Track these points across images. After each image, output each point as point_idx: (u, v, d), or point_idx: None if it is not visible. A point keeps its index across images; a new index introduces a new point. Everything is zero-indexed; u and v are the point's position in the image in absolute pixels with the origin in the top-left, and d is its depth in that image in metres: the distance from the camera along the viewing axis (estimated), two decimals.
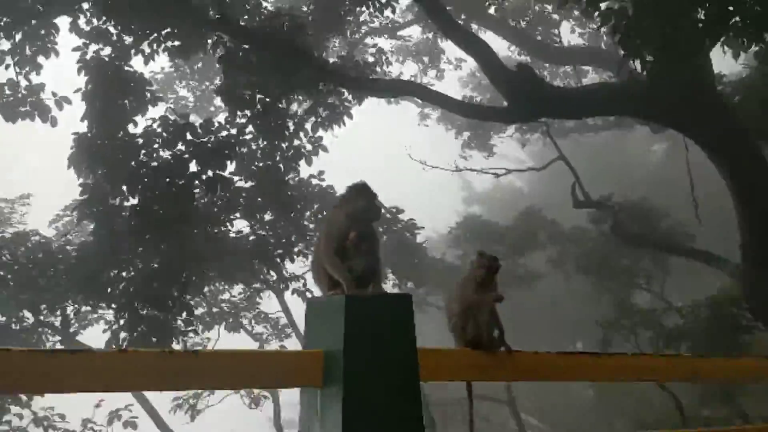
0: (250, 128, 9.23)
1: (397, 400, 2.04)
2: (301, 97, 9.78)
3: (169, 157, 8.35)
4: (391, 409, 2.02)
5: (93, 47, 8.90)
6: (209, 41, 8.93)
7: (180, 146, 8.33)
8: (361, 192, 2.50)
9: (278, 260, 10.03)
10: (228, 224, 10.16)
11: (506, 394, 15.46)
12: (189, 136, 8.37)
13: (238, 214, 10.51)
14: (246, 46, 8.60)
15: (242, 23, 8.70)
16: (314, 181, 11.97)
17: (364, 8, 9.72)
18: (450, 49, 16.83)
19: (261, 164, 9.62)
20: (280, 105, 9.11)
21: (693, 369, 3.21)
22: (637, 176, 21.77)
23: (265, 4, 9.68)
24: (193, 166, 8.45)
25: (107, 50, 8.91)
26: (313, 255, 2.60)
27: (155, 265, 7.93)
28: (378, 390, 2.02)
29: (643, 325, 12.05)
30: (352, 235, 2.41)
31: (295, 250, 10.32)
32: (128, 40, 8.66)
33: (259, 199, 10.22)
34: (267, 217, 10.88)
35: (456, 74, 20.52)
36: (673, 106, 7.85)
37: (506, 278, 17.81)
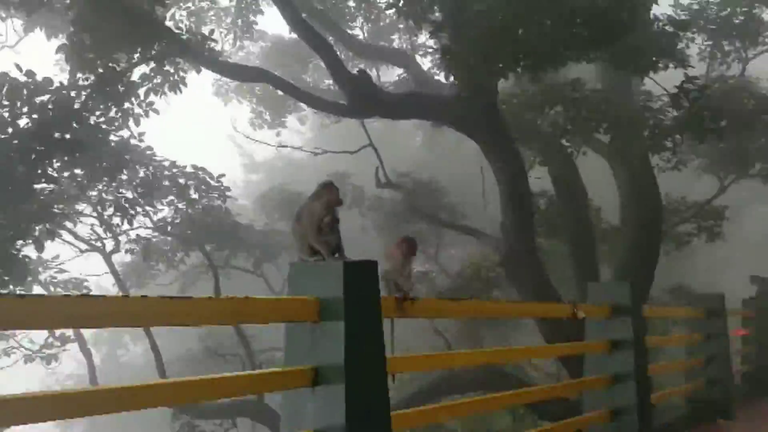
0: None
1: (373, 328, 3.16)
2: (135, 62, 9.81)
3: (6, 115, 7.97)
4: (371, 333, 3.14)
5: None
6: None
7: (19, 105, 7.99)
8: (330, 187, 3.52)
9: None
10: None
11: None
12: (26, 93, 8.07)
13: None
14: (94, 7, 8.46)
15: None
16: (133, 142, 11.98)
17: None
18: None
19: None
20: (117, 68, 9.13)
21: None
22: (430, 159, 24.34)
23: None
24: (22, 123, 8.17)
25: None
26: (294, 233, 3.53)
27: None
28: (363, 320, 3.11)
29: (418, 283, 14.37)
30: (328, 219, 3.43)
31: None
32: None
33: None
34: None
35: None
36: (465, 114, 9.75)
37: None
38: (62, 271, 12.54)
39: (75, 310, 2.24)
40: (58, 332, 11.83)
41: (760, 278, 11.08)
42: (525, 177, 10.48)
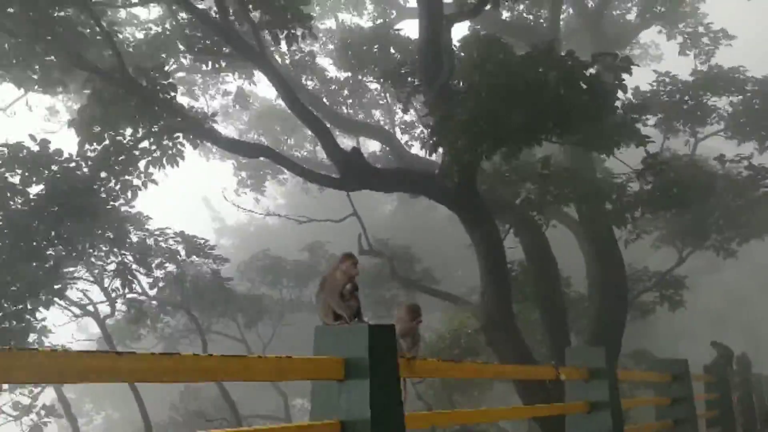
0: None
1: (393, 386, 3.45)
2: (140, 136, 10.20)
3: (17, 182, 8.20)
4: (391, 390, 3.42)
5: None
6: (65, 77, 8.98)
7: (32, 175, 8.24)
8: (350, 258, 3.88)
9: None
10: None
11: None
12: (37, 162, 8.33)
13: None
14: (111, 86, 8.89)
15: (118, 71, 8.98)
16: (123, 209, 12.19)
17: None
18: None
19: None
20: (123, 141, 9.49)
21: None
22: (404, 226, 24.86)
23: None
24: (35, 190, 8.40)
25: None
26: (318, 299, 3.84)
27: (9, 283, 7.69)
28: (384, 378, 3.40)
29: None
30: (349, 286, 3.77)
31: None
32: None
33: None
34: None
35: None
36: (449, 189, 10.29)
37: (293, 304, 19.33)
38: (49, 332, 12.37)
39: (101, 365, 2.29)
40: (47, 401, 11.60)
41: (720, 344, 11.57)
42: (502, 247, 10.95)
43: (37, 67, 8.62)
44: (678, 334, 25.68)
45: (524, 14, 15.95)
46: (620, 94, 9.29)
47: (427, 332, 16.51)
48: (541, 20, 16.12)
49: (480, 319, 11.46)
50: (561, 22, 15.94)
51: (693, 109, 15.11)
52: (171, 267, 13.08)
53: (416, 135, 16.21)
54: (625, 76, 8.63)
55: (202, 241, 13.68)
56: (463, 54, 10.47)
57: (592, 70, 8.35)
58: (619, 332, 12.71)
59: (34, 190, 8.74)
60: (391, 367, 3.45)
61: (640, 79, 13.80)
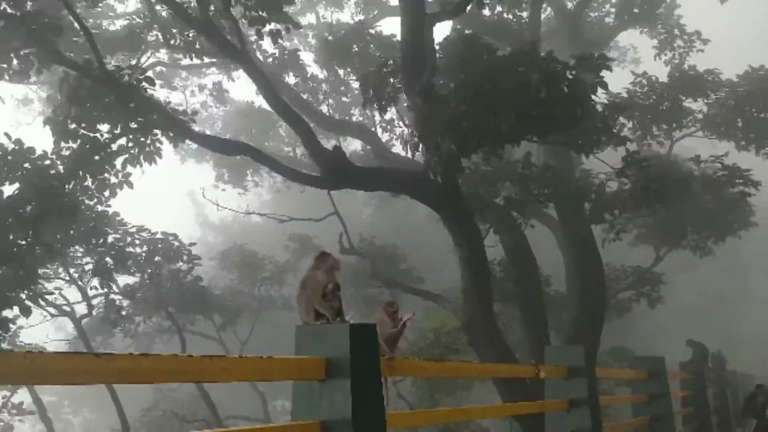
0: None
1: (375, 385, 3.45)
2: (118, 133, 10.05)
3: None
4: (373, 390, 3.42)
5: None
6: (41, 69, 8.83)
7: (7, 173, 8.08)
8: (327, 256, 3.86)
9: None
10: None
11: None
12: (10, 158, 8.19)
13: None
14: (87, 82, 8.76)
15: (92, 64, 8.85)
16: (100, 208, 12.02)
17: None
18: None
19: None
20: (100, 139, 9.35)
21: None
22: (385, 225, 24.88)
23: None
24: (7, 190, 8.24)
25: None
26: (299, 299, 3.83)
27: None
28: (366, 378, 3.40)
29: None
30: (331, 286, 3.76)
31: None
32: None
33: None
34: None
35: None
36: (430, 188, 10.32)
37: (269, 302, 19.21)
38: (16, 335, 12.14)
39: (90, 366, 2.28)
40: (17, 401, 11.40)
41: (695, 342, 11.76)
42: (483, 247, 11.00)
43: (12, 56, 8.44)
44: (656, 332, 26.07)
45: (505, 15, 16.04)
46: (599, 95, 9.41)
47: (409, 331, 16.55)
48: (523, 21, 16.23)
49: (461, 317, 11.51)
50: (540, 23, 16.08)
51: (669, 110, 15.35)
52: (147, 267, 12.93)
53: (398, 134, 16.26)
54: (604, 74, 8.73)
55: (178, 243, 13.52)
56: (446, 54, 10.49)
57: (573, 72, 8.43)
58: (597, 330, 12.87)
59: (9, 190, 8.59)
60: (373, 367, 3.44)
61: (618, 82, 13.99)
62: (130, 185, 10.43)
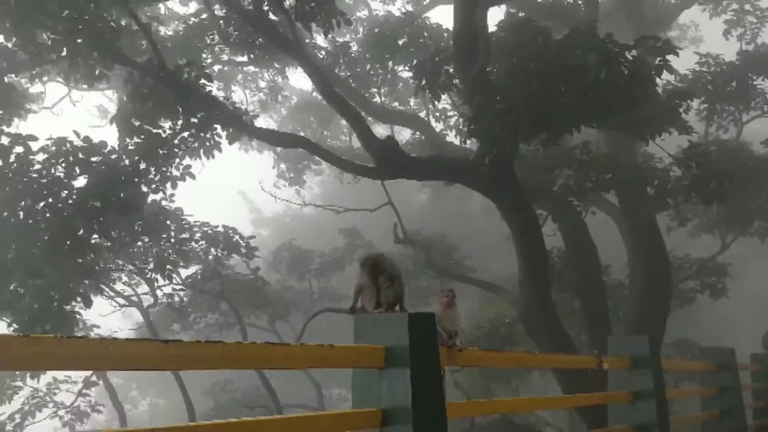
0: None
1: (434, 374, 3.43)
2: (179, 129, 10.35)
3: (62, 176, 8.45)
4: (432, 379, 3.40)
5: None
6: (106, 71, 9.20)
7: (75, 167, 8.48)
8: (367, 260, 3.86)
9: None
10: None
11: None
12: (81, 156, 8.57)
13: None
14: (149, 80, 9.07)
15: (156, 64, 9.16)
16: (163, 203, 12.42)
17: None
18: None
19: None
20: (162, 135, 9.66)
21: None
22: (437, 215, 24.75)
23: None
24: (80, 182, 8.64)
25: None
26: (362, 289, 3.83)
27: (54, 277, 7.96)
28: (425, 366, 3.37)
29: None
30: (382, 278, 3.77)
31: None
32: (22, 57, 8.60)
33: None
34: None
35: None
36: (485, 176, 10.17)
37: (323, 294, 19.49)
38: (94, 326, 12.74)
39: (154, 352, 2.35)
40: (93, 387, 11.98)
41: None
42: (540, 235, 10.79)
43: (80, 59, 8.83)
44: (721, 323, 24.99)
45: None
46: (662, 78, 9.02)
47: (465, 321, 16.43)
48: (579, 1, 15.72)
49: (518, 307, 11.35)
50: (598, 2, 15.51)
51: (738, 91, 14.57)
52: (208, 260, 13.29)
53: (451, 123, 16.08)
54: (669, 57, 8.35)
55: (238, 236, 13.83)
56: (499, 39, 10.28)
57: (633, 53, 8.10)
58: (662, 320, 12.42)
59: (78, 184, 9.00)
60: (432, 356, 3.42)
61: (678, 62, 13.35)
62: (192, 176, 10.71)
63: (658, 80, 8.92)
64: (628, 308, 13.43)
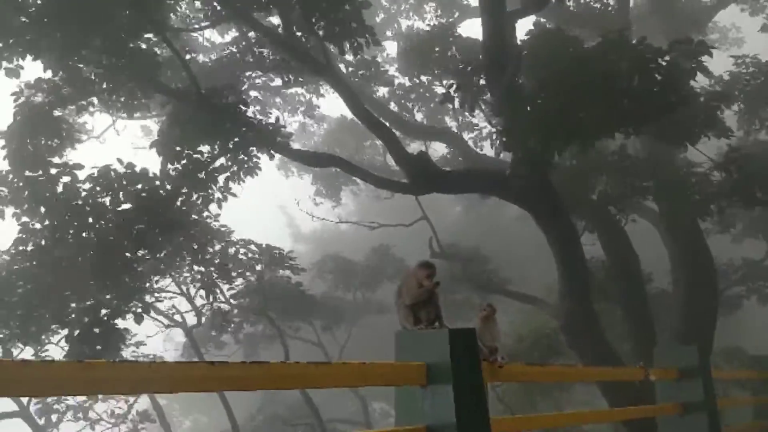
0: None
1: (477, 390, 3.39)
2: (217, 152, 10.57)
3: (107, 202, 8.74)
4: (476, 394, 3.36)
5: (27, 92, 9.03)
6: (145, 100, 9.52)
7: (119, 193, 8.77)
8: (425, 266, 3.84)
9: None
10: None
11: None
12: (125, 182, 8.85)
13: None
14: (187, 106, 9.33)
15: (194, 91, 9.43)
16: (208, 221, 12.72)
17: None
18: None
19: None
20: (201, 159, 9.90)
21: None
22: (471, 227, 24.63)
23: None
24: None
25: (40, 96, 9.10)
26: (397, 305, 3.84)
27: (102, 298, 8.23)
28: (468, 382, 3.34)
29: None
30: (425, 287, 3.75)
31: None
32: (67, 90, 8.96)
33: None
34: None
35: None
36: (522, 190, 10.07)
37: (366, 306, 19.52)
38: (140, 344, 13.07)
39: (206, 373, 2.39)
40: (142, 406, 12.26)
41: None
42: (579, 244, 10.60)
43: (121, 94, 9.16)
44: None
45: (591, 2, 15.40)
46: (698, 81, 8.81)
47: (505, 336, 16.20)
48: (609, 7, 15.52)
49: (559, 319, 11.14)
50: (630, 6, 15.28)
51: None
52: (251, 276, 13.52)
53: (484, 135, 16.00)
54: (704, 59, 8.16)
55: (280, 252, 14.05)
56: (529, 50, 10.21)
57: (667, 57, 7.95)
58: (710, 329, 12.03)
59: (122, 209, 9.27)
60: (475, 371, 3.39)
61: (718, 65, 13.02)
62: (234, 195, 10.88)
63: (695, 84, 8.73)
64: (673, 317, 13.04)
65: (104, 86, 9.15)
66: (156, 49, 9.88)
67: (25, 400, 13.10)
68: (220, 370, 2.48)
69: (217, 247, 12.35)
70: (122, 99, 9.44)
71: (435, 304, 3.73)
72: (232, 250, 12.82)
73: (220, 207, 10.76)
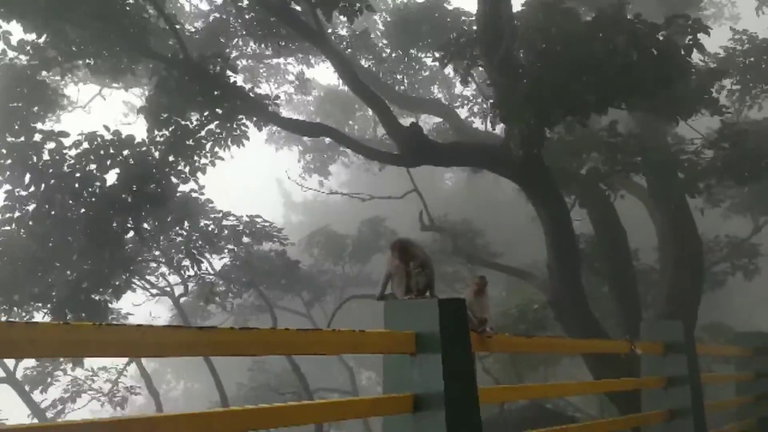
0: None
1: (466, 360, 3.40)
2: (206, 120, 10.43)
3: (94, 170, 8.62)
4: (464, 364, 3.38)
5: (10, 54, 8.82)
6: (132, 65, 9.33)
7: (106, 161, 8.65)
8: (396, 245, 3.81)
9: None
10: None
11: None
12: (111, 150, 8.72)
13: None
14: (175, 73, 9.17)
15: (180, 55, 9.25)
16: (194, 195, 12.59)
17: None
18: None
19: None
20: (190, 126, 9.76)
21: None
22: (462, 200, 24.65)
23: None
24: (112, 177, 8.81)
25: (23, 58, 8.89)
26: (391, 275, 3.81)
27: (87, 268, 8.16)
28: (456, 352, 3.35)
29: None
30: (413, 264, 3.74)
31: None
32: (52, 53, 8.75)
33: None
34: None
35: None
36: (512, 161, 10.04)
37: (355, 279, 19.59)
38: (129, 314, 13.06)
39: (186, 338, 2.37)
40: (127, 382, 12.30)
41: None
42: (569, 220, 10.63)
43: (106, 54, 8.97)
44: (753, 306, 24.48)
45: None
46: (693, 58, 8.77)
47: (492, 308, 16.32)
48: None
49: (547, 293, 11.24)
50: None
51: None
52: (237, 248, 13.47)
53: (476, 109, 15.90)
54: (700, 36, 8.10)
55: (267, 224, 13.98)
56: (524, 23, 10.10)
57: (663, 33, 7.88)
58: (694, 305, 12.18)
59: (110, 177, 9.17)
60: (464, 341, 3.40)
61: (715, 41, 12.95)
62: (221, 158, 10.74)
63: (690, 60, 8.68)
64: (658, 292, 13.20)
65: (90, 49, 8.94)
66: (143, 11, 9.65)
67: (11, 365, 13.11)
68: (208, 335, 2.46)
69: (202, 220, 12.25)
70: (108, 64, 9.23)
71: (424, 275, 3.73)
72: (216, 223, 12.71)
73: (204, 173, 10.63)
